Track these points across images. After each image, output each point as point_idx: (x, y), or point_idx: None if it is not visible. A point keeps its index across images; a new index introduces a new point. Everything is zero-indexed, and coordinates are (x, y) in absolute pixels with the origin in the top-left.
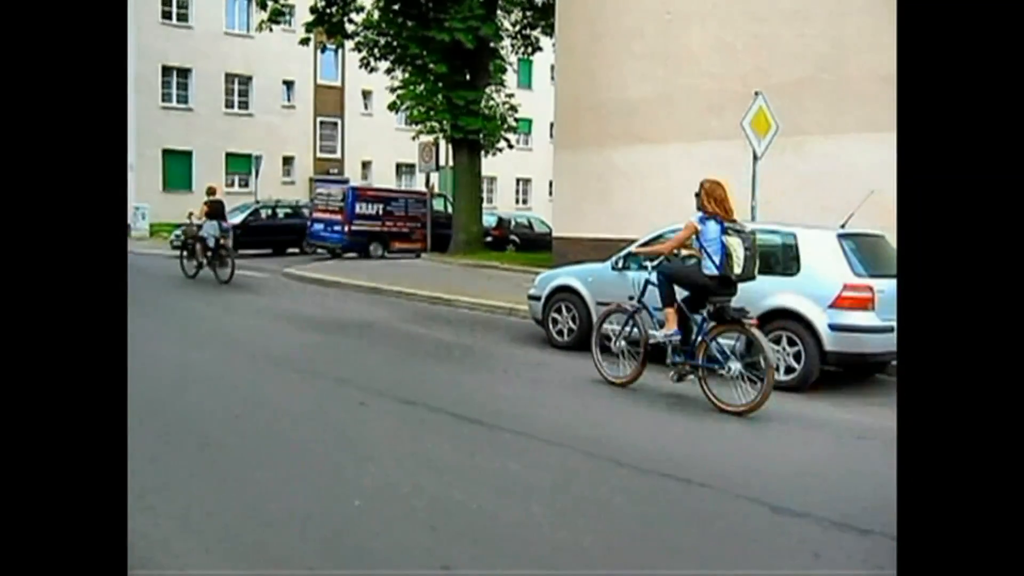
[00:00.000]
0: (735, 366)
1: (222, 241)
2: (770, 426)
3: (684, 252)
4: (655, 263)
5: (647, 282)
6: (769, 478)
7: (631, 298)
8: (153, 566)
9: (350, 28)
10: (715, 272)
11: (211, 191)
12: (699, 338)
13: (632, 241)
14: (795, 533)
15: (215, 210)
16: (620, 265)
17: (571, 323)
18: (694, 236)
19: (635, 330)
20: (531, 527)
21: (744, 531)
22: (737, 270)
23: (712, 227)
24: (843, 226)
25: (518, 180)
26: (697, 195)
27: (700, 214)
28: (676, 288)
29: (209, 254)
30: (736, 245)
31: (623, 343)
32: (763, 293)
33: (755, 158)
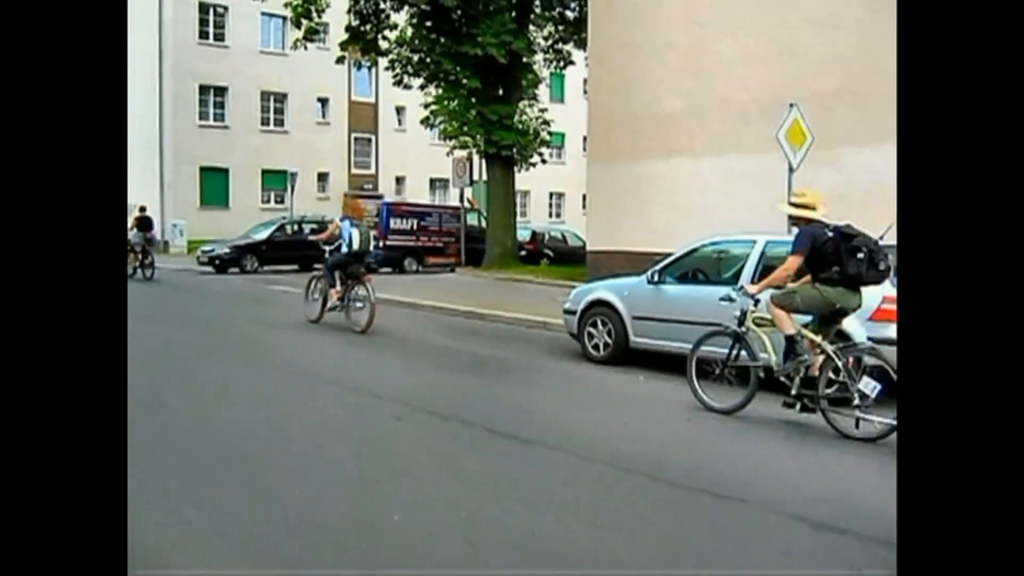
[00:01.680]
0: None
1: (147, 248)
2: (809, 441)
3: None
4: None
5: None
6: (808, 494)
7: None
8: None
9: (384, 45)
10: (347, 251)
11: (142, 208)
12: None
13: (668, 254)
14: (836, 550)
15: (142, 223)
16: (656, 279)
17: (607, 337)
18: (339, 229)
19: (322, 288)
20: (568, 543)
21: (784, 548)
22: (356, 248)
23: (346, 224)
24: (881, 238)
25: (551, 194)
26: (344, 206)
27: (342, 215)
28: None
29: (138, 259)
30: (356, 234)
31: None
32: None
33: (790, 170)
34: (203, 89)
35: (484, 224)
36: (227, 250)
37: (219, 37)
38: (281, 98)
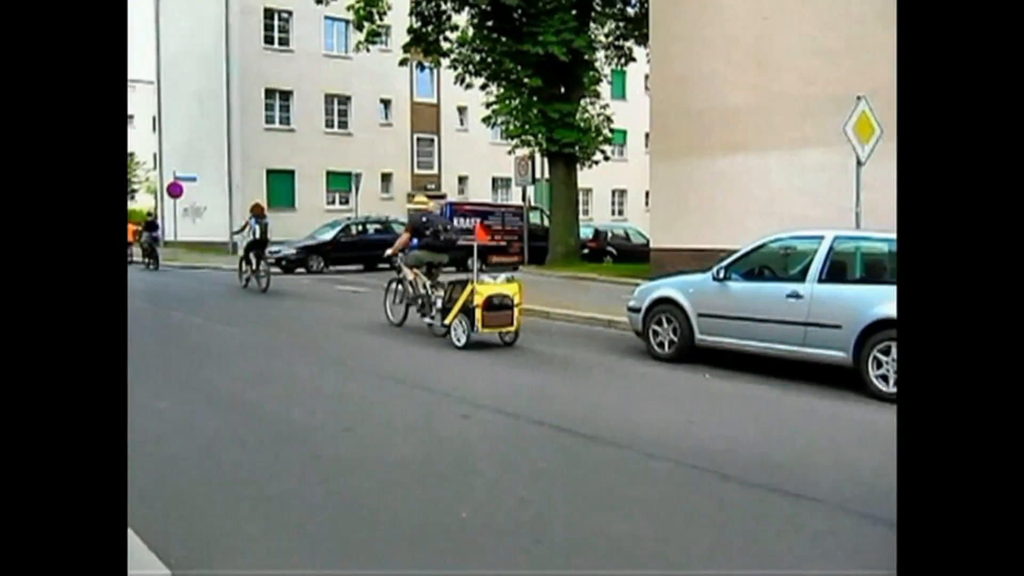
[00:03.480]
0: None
1: (153, 246)
2: (877, 440)
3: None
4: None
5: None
6: (881, 493)
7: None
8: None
9: (445, 46)
10: (252, 238)
11: (149, 214)
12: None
13: (733, 251)
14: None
15: (148, 226)
16: (721, 276)
17: (672, 335)
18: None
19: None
20: (636, 541)
21: (858, 547)
22: (258, 236)
23: (252, 221)
24: None
25: (613, 191)
26: (251, 208)
27: (250, 214)
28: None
29: (145, 255)
30: (258, 228)
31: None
32: (870, 303)
33: (858, 163)
34: (269, 93)
35: (546, 223)
36: (293, 251)
37: (284, 42)
38: (345, 100)
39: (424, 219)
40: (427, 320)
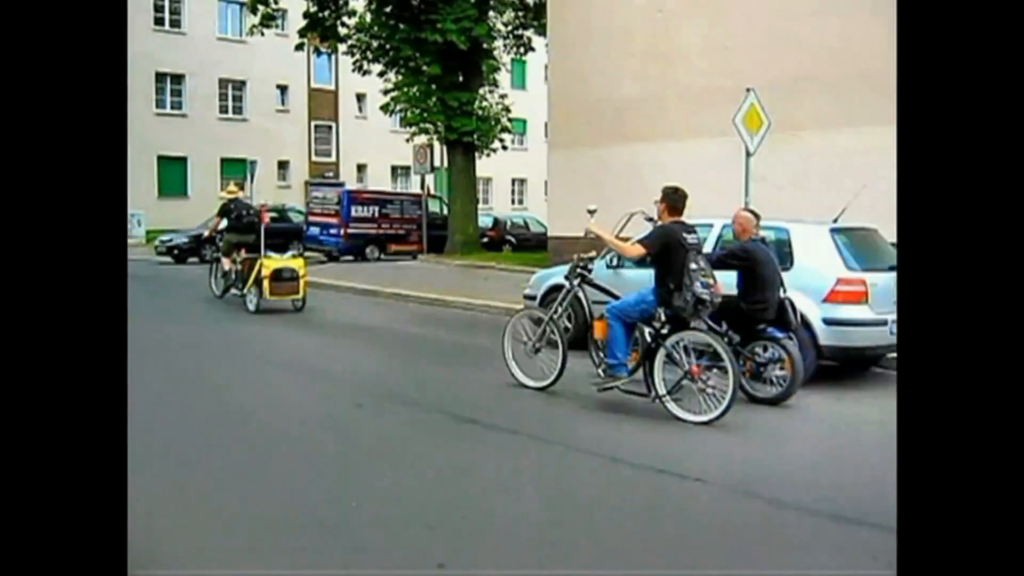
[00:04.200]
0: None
1: None
2: (767, 420)
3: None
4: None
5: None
6: (766, 472)
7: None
8: (156, 563)
9: (343, 31)
10: None
11: None
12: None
13: (627, 239)
14: (796, 528)
15: None
16: (615, 263)
17: (567, 321)
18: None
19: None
20: (527, 526)
21: (740, 526)
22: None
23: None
24: (836, 220)
25: (513, 180)
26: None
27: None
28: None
29: None
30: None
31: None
32: None
33: (747, 154)
34: (160, 77)
35: (446, 211)
36: (186, 240)
37: (175, 24)
38: (240, 86)
39: (231, 205)
40: (234, 291)
